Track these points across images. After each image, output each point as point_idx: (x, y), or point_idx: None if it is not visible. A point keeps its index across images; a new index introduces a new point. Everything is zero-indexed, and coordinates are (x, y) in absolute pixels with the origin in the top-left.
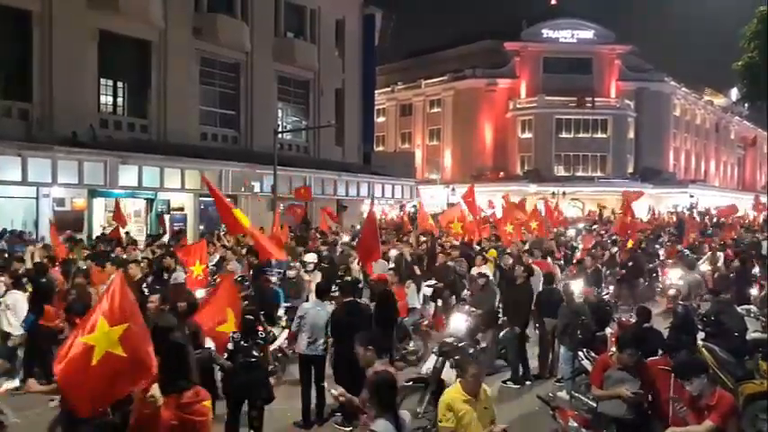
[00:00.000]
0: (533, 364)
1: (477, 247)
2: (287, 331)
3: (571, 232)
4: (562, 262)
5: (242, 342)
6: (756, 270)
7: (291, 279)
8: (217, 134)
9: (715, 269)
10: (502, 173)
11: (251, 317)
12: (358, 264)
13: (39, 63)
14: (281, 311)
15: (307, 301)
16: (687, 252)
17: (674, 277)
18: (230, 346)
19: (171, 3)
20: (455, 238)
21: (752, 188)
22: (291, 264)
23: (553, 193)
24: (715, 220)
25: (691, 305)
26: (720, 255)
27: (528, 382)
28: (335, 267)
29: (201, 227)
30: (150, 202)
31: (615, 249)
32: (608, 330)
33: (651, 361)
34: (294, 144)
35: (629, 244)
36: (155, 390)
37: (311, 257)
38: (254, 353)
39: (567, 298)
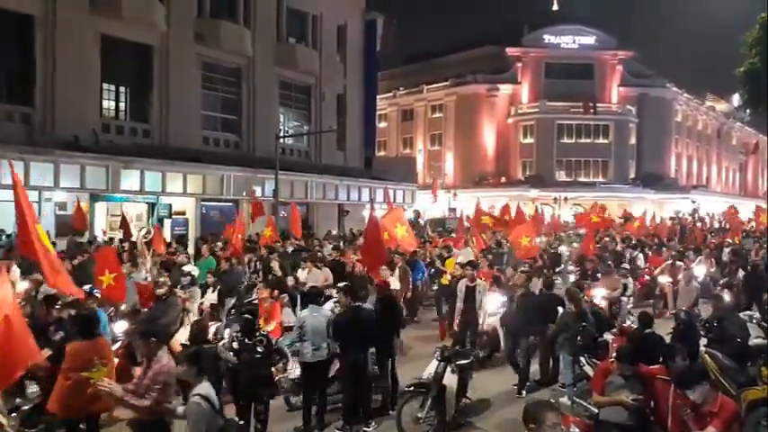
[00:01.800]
0: (533, 369)
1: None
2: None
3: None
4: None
5: (245, 340)
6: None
7: (162, 297)
8: (219, 139)
9: (676, 282)
10: (503, 178)
11: (250, 316)
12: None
13: (41, 67)
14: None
15: (181, 324)
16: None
17: (597, 297)
18: (235, 345)
19: (173, 8)
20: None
21: (753, 194)
22: (159, 280)
23: (555, 199)
24: (717, 225)
25: (693, 311)
26: (680, 264)
27: (524, 392)
28: (286, 273)
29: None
30: (152, 206)
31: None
32: (608, 336)
33: (650, 369)
34: (296, 149)
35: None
36: None
37: (190, 268)
38: (259, 350)
39: (570, 303)
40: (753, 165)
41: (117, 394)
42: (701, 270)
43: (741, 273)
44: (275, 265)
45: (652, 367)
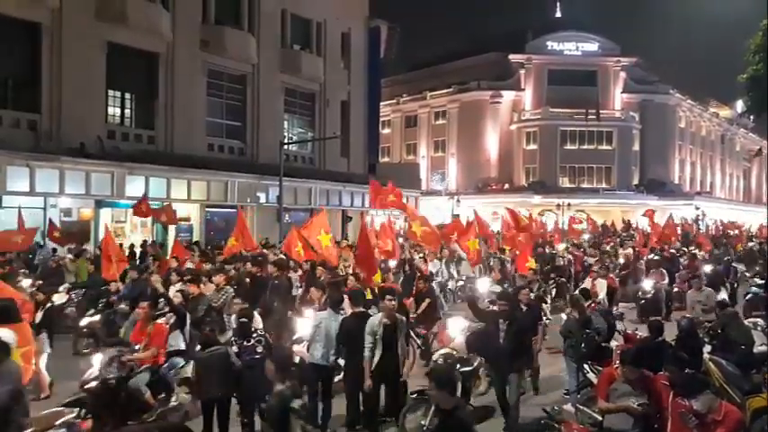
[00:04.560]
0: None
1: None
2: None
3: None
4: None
5: (244, 343)
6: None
7: None
8: (223, 145)
9: (579, 310)
10: (507, 184)
11: (245, 319)
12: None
13: (48, 74)
14: None
15: None
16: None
17: (454, 330)
18: (234, 348)
19: (179, 15)
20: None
21: (758, 200)
22: None
23: (558, 205)
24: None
25: (696, 318)
26: (603, 282)
27: None
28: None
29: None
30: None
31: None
32: (613, 343)
33: (652, 375)
34: (300, 155)
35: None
36: None
37: None
38: (258, 350)
39: (573, 310)
40: (757, 171)
41: None
42: (648, 283)
43: (723, 293)
44: (156, 278)
45: (659, 374)
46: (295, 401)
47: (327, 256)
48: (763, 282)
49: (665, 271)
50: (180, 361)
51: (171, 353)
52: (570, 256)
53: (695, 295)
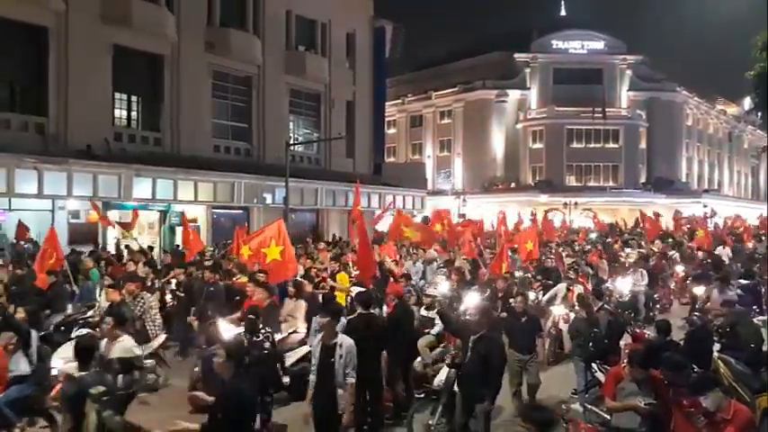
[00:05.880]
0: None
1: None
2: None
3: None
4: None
5: (253, 338)
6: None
7: None
8: (229, 147)
9: (587, 309)
10: (513, 183)
11: (253, 316)
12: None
13: (54, 78)
14: None
15: None
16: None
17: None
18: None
19: (184, 17)
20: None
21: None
22: None
23: (565, 204)
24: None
25: (706, 317)
26: (580, 287)
27: None
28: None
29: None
30: (164, 214)
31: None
32: (622, 342)
33: (656, 374)
34: (306, 156)
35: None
36: None
37: None
38: (266, 346)
39: (581, 309)
40: (765, 168)
41: None
42: (625, 284)
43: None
44: None
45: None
46: (95, 387)
47: (274, 270)
48: (746, 282)
49: (644, 272)
50: (24, 389)
51: (13, 380)
52: (553, 256)
53: (718, 299)
